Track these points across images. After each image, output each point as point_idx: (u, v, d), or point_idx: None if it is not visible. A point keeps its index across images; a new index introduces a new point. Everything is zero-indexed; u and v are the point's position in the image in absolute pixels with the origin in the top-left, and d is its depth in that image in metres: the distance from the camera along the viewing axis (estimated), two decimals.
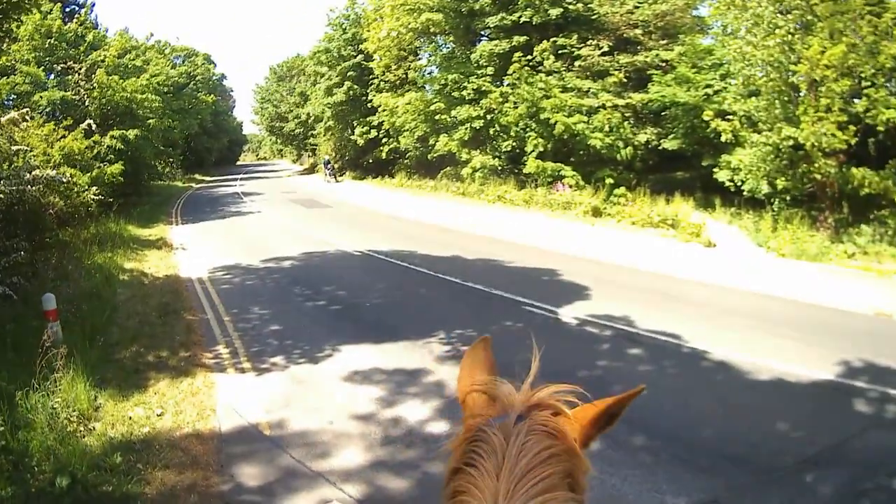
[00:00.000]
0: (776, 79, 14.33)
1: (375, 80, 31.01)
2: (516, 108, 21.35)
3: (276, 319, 8.87)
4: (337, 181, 34.75)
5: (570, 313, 8.62)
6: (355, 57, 33.11)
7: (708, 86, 18.06)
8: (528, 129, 21.26)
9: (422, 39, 28.90)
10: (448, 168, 26.12)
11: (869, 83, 13.05)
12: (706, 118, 15.76)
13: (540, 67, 21.56)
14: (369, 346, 7.41)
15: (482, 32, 25.57)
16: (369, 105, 31.44)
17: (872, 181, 13.21)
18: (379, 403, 5.85)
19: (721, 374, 6.46)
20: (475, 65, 24.15)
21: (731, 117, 15.48)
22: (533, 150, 20.89)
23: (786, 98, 14.42)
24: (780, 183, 14.57)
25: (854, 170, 13.41)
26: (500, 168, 23.26)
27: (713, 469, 4.58)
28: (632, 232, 16.51)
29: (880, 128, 13.00)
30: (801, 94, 14.08)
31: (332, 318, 8.93)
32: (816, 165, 13.63)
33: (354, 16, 34.34)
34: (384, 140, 31.23)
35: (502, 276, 11.07)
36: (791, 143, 13.78)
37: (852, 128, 13.08)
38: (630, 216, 17.22)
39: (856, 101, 13.39)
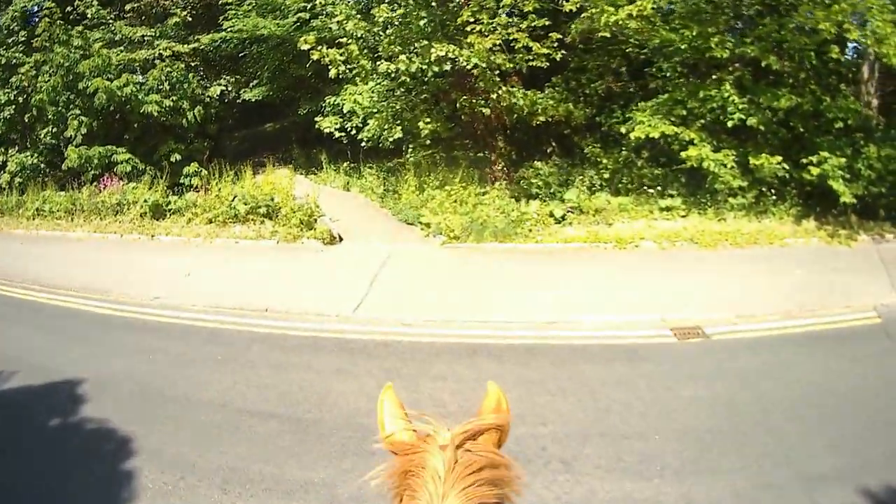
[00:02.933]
0: None
1: None
2: (50, 79, 13.84)
3: None
4: None
5: None
6: None
7: (302, 9, 13.38)
8: (70, 107, 13.89)
9: None
10: None
11: None
12: (305, 47, 10.31)
13: (85, 21, 15.53)
14: None
15: None
16: None
17: (547, 106, 10.23)
18: None
19: None
20: (6, 31, 16.25)
21: (344, 40, 10.44)
22: (75, 135, 13.53)
23: (434, 3, 10.14)
24: (425, 126, 10.32)
25: (518, 92, 10.17)
26: (41, 167, 15.07)
27: None
28: (208, 238, 10.90)
29: (604, 33, 9.30)
30: None
31: None
32: (495, 96, 9.99)
33: None
34: None
35: None
36: (446, 66, 9.76)
37: (554, 35, 9.59)
38: (206, 209, 11.64)
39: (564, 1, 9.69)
